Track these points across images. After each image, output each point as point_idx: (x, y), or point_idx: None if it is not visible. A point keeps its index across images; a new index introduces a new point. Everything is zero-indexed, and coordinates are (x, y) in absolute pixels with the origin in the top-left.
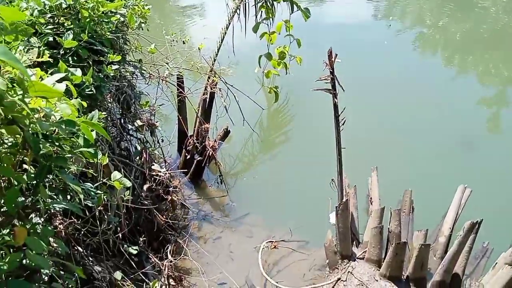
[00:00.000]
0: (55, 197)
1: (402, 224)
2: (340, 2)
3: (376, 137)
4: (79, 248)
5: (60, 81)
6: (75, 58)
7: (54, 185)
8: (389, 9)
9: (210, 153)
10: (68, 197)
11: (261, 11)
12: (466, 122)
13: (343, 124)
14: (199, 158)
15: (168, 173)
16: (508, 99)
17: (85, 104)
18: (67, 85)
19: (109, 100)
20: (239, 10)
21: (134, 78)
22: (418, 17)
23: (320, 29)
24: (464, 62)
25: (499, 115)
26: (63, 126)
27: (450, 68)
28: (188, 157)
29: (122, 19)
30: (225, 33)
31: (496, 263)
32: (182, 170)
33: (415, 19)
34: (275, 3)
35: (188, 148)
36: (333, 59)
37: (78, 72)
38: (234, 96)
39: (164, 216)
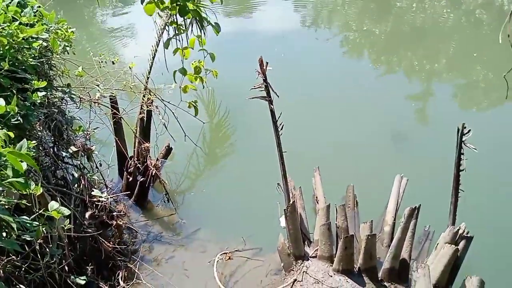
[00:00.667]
0: None
1: (348, 218)
2: (269, 12)
3: (315, 138)
4: (21, 286)
5: None
6: None
7: None
8: (316, 17)
9: (153, 172)
10: (4, 234)
11: (189, 27)
12: (397, 116)
13: (281, 129)
14: (142, 179)
15: (110, 197)
16: (432, 91)
17: (12, 134)
18: None
19: (39, 129)
20: (168, 26)
21: (63, 104)
22: (343, 22)
23: (253, 39)
24: (390, 61)
25: (426, 106)
26: None
27: (378, 68)
28: (131, 179)
29: (45, 44)
30: (156, 50)
31: (438, 243)
32: (125, 193)
33: (341, 25)
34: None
35: (129, 170)
36: (264, 67)
37: (1, 101)
38: (173, 112)
39: (111, 242)
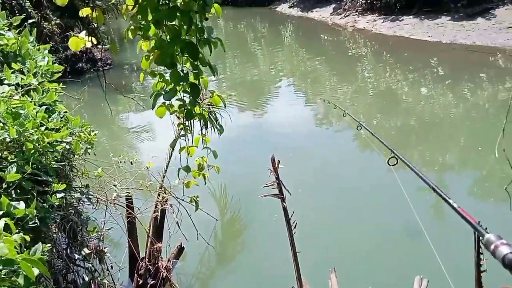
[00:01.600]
0: None
1: None
2: (281, 108)
3: (329, 236)
4: None
5: None
6: (18, 191)
7: None
8: (327, 112)
9: (164, 274)
10: None
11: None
12: (412, 211)
13: (294, 228)
14: (152, 282)
15: None
16: (446, 184)
17: (28, 238)
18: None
19: (54, 230)
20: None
21: (80, 205)
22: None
23: (266, 137)
24: (402, 153)
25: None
26: (0, 267)
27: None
28: (141, 282)
29: (68, 147)
30: (173, 149)
31: None
32: None
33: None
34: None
35: (140, 272)
36: (276, 165)
37: (21, 205)
38: (186, 210)
39: None
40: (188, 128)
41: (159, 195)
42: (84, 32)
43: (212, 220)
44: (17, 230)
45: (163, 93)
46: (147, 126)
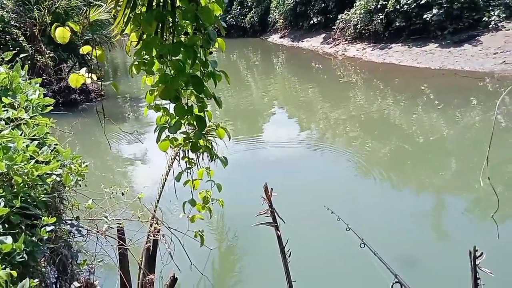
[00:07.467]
0: None
1: None
2: (275, 135)
3: (324, 265)
4: None
5: None
6: (6, 225)
7: None
8: (320, 138)
9: None
10: None
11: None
12: (407, 237)
13: (289, 256)
14: None
15: None
16: (445, 206)
17: (15, 273)
18: None
19: (43, 264)
20: (179, 156)
21: (71, 237)
22: (346, 142)
23: (261, 163)
24: (397, 178)
25: (439, 222)
26: None
27: (385, 186)
28: None
29: (58, 179)
30: (166, 179)
31: None
32: None
33: (344, 143)
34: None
35: None
36: (269, 194)
37: (9, 239)
38: (179, 240)
39: None
40: (192, 161)
41: (151, 225)
42: (84, 68)
43: (206, 249)
44: (3, 266)
45: (168, 126)
46: (139, 156)
